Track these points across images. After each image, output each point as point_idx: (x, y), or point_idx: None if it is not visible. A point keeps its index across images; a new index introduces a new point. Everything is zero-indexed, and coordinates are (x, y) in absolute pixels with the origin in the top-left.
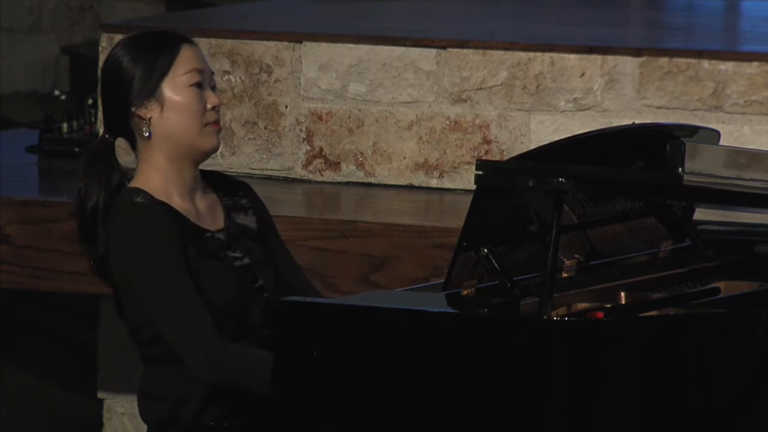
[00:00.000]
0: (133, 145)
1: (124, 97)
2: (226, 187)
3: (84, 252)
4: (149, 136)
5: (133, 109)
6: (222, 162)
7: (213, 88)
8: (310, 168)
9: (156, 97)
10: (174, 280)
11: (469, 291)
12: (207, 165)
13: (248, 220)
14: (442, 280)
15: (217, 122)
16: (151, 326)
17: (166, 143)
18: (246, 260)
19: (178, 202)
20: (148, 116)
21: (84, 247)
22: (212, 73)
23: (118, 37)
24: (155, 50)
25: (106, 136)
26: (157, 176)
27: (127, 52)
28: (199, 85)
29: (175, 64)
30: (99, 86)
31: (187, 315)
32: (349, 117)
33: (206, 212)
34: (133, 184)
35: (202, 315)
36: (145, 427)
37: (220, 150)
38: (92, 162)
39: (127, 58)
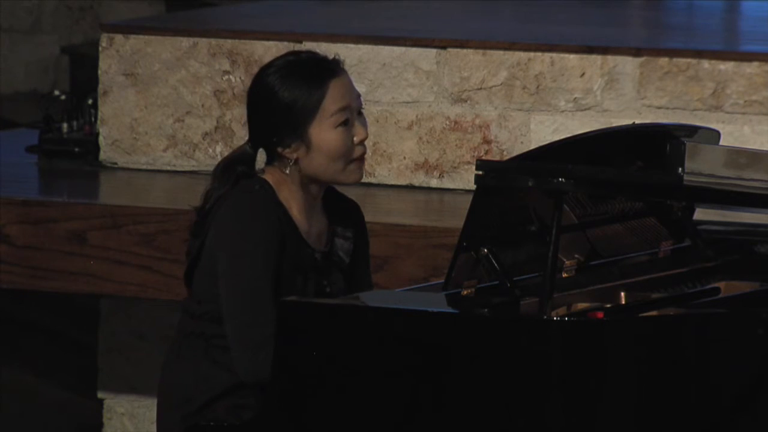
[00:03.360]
0: (272, 159)
1: (271, 135)
2: (339, 209)
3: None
4: (290, 173)
5: (280, 149)
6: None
7: (360, 114)
8: None
9: (303, 139)
10: (257, 270)
11: (469, 291)
12: (207, 165)
13: (345, 251)
14: (442, 280)
15: (362, 156)
16: (212, 304)
17: (308, 177)
18: (328, 290)
19: (295, 212)
20: (294, 156)
21: (191, 236)
22: (359, 96)
23: (118, 37)
24: (304, 87)
25: (248, 147)
26: (283, 187)
27: (277, 88)
28: (346, 123)
29: (323, 106)
30: (247, 107)
31: (253, 307)
32: None
33: (316, 232)
34: (265, 176)
35: (267, 313)
36: (143, 426)
37: (220, 149)
38: (228, 167)
39: (276, 95)
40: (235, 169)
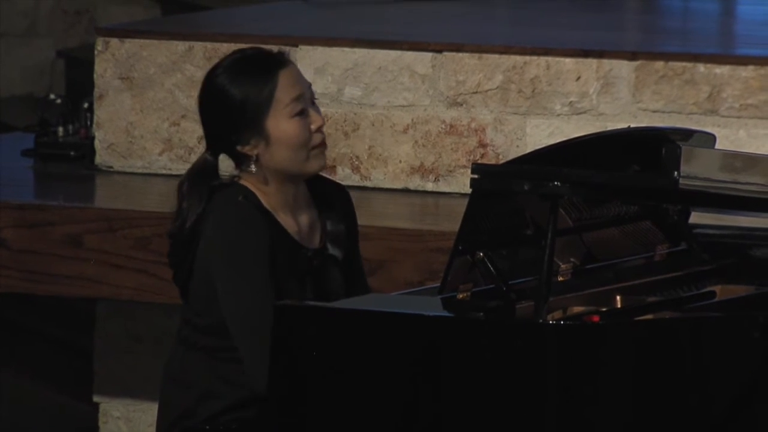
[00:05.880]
0: (239, 163)
1: (228, 135)
2: (328, 196)
3: (170, 266)
4: (256, 170)
5: (239, 147)
6: (219, 164)
7: (313, 102)
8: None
9: (261, 134)
10: (257, 284)
11: (465, 294)
12: None
13: (339, 244)
14: (438, 284)
15: (323, 143)
16: (212, 318)
17: (272, 172)
18: (325, 288)
19: (281, 216)
20: (255, 153)
21: (172, 264)
22: (310, 85)
23: (114, 40)
24: (254, 82)
25: (208, 155)
26: (261, 193)
27: (227, 86)
28: (301, 113)
29: (276, 98)
30: (200, 112)
31: (261, 322)
32: (345, 121)
33: (306, 229)
34: (244, 183)
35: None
36: (139, 430)
37: None
38: (194, 181)
39: (227, 94)
40: (203, 183)
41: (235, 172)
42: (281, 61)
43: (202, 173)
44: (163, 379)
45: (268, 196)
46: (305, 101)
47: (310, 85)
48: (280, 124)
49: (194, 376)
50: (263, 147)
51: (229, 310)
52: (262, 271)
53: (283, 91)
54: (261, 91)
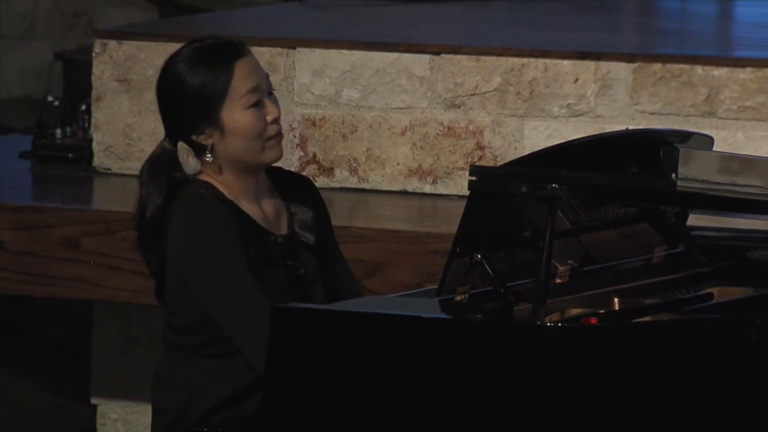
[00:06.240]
0: (196, 152)
1: (183, 125)
2: (292, 186)
3: (142, 258)
4: (212, 160)
5: (194, 136)
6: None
7: (270, 93)
8: (304, 174)
9: (215, 123)
10: (233, 274)
11: (463, 297)
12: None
13: (309, 228)
14: (436, 286)
15: (278, 134)
16: (190, 316)
17: (228, 162)
18: (301, 271)
19: (245, 204)
20: (209, 142)
21: (142, 253)
22: (267, 76)
23: (112, 43)
24: (211, 71)
25: (166, 143)
26: (221, 184)
27: (184, 75)
28: (257, 104)
29: (232, 88)
30: (157, 99)
31: (247, 309)
32: (343, 123)
33: (273, 216)
34: (203, 178)
35: (263, 308)
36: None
37: None
38: (153, 169)
39: (184, 83)
40: (162, 170)
41: (198, 167)
42: (239, 51)
43: (160, 161)
44: (152, 386)
45: (228, 187)
46: (261, 92)
47: (267, 75)
48: (235, 114)
49: (180, 378)
50: (218, 137)
51: (214, 303)
52: (237, 257)
53: (239, 82)
54: (217, 81)
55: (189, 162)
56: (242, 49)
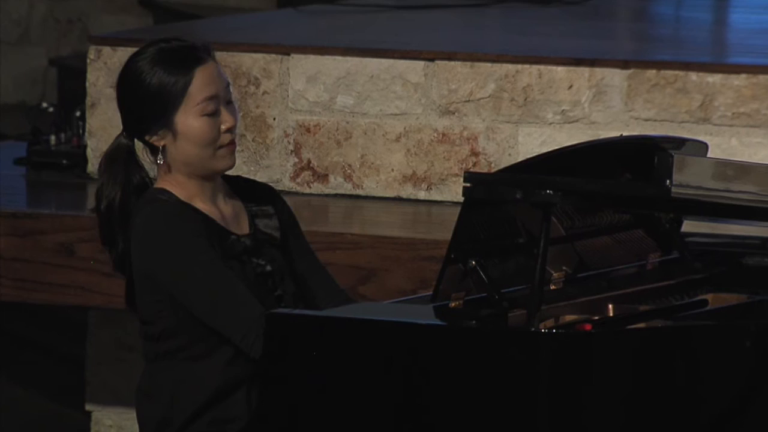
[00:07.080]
0: (150, 151)
1: (138, 123)
2: (250, 191)
3: (106, 250)
4: (163, 162)
5: (147, 136)
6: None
7: (229, 102)
8: (298, 180)
9: (168, 126)
10: (208, 267)
11: (457, 303)
12: None
13: (272, 227)
14: (430, 292)
15: (231, 143)
16: (164, 321)
17: (180, 165)
18: (268, 267)
19: (201, 205)
20: (162, 144)
21: (105, 246)
22: (228, 85)
23: (106, 49)
24: (171, 74)
25: (123, 137)
26: (176, 186)
27: (144, 75)
28: (213, 113)
29: (189, 93)
30: (116, 94)
31: (229, 298)
32: (337, 129)
33: (231, 217)
34: (157, 185)
35: (243, 294)
36: None
37: None
38: (109, 161)
39: (143, 82)
40: (118, 164)
41: (153, 165)
42: (201, 58)
43: (115, 154)
44: (135, 399)
45: (183, 188)
46: (219, 101)
47: (228, 84)
48: (189, 120)
49: (159, 385)
50: (170, 140)
51: (194, 302)
52: (207, 250)
53: (197, 89)
54: (175, 85)
55: (146, 159)
56: (205, 55)
